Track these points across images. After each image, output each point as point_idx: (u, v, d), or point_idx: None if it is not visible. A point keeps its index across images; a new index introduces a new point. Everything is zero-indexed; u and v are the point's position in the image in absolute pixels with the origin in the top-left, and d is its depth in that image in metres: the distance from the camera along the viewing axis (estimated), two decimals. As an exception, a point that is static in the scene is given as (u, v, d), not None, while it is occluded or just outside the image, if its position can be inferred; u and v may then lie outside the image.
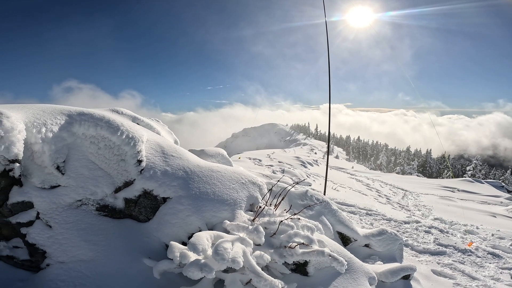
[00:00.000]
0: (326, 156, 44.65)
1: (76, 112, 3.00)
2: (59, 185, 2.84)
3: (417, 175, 30.26)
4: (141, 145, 3.15)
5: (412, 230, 5.96)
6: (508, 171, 39.64)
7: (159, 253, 2.86)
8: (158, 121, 4.93)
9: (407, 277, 3.62)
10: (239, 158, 17.47)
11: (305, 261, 2.77)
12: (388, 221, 6.14)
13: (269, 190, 3.43)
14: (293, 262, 2.79)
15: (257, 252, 2.47)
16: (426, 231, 6.02)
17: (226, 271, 2.45)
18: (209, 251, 2.29)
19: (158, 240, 3.00)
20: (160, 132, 4.36)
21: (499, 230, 7.39)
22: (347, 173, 20.29)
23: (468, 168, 23.73)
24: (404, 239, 5.42)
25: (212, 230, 2.83)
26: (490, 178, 27.57)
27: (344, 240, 4.11)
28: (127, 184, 3.11)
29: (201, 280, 2.35)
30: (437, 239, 5.77)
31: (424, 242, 5.58)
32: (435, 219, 8.38)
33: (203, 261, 2.17)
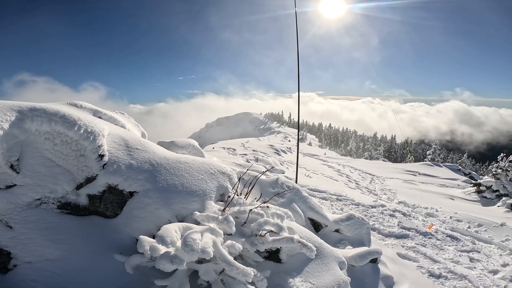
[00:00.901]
0: (299, 143, 45.69)
1: (27, 108, 2.77)
2: (15, 185, 2.69)
3: (383, 160, 32.20)
4: (102, 139, 3.02)
5: (378, 214, 6.27)
6: (465, 155, 43.52)
7: (131, 248, 2.80)
8: (123, 113, 4.77)
9: (374, 261, 3.79)
10: (213, 148, 17.29)
11: (277, 248, 2.83)
12: (356, 206, 6.47)
13: (239, 179, 3.42)
14: (266, 250, 2.85)
15: (229, 242, 2.50)
16: (390, 215, 6.35)
17: (200, 262, 2.45)
18: (179, 243, 2.28)
19: (128, 235, 2.93)
20: (125, 125, 4.21)
21: (456, 213, 8.04)
22: (319, 159, 20.98)
23: (428, 152, 25.70)
24: (371, 223, 5.62)
25: (182, 222, 2.82)
26: (448, 162, 30.11)
27: (316, 226, 4.27)
28: (89, 180, 3.00)
29: (175, 272, 2.34)
30: (401, 222, 6.07)
31: (389, 226, 5.83)
32: (399, 202, 8.97)
33: (173, 253, 2.16)
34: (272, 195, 3.82)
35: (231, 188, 3.30)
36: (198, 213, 2.74)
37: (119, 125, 4.02)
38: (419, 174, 16.16)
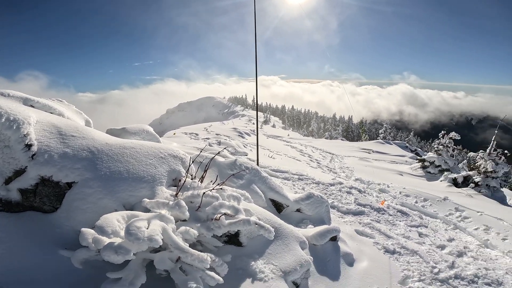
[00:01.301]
0: (263, 125, 46.19)
1: None
2: None
3: (342, 139, 34.09)
4: (28, 127, 2.70)
5: (337, 192, 6.44)
6: (411, 133, 48.12)
7: (77, 242, 2.55)
8: (61, 101, 4.44)
9: (334, 239, 3.88)
10: (174, 134, 16.61)
11: (236, 231, 2.75)
12: (317, 184, 6.65)
13: (192, 161, 3.22)
14: (224, 234, 2.75)
15: (182, 228, 2.37)
16: (348, 192, 6.56)
17: (158, 250, 2.31)
18: (122, 233, 2.12)
19: (71, 229, 2.67)
20: (63, 113, 3.86)
21: (405, 188, 8.58)
22: (283, 140, 21.37)
23: (380, 131, 27.78)
24: (330, 201, 5.76)
25: (131, 210, 2.61)
26: (398, 140, 32.86)
27: (278, 207, 4.27)
28: (19, 173, 2.70)
29: (128, 263, 2.18)
30: (357, 199, 6.23)
31: (347, 203, 5.95)
32: (356, 179, 9.48)
33: (116, 243, 2.00)
34: (231, 177, 3.69)
35: (185, 172, 3.08)
36: (147, 200, 2.53)
37: (55, 113, 3.70)
38: (373, 151, 17.38)
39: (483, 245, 5.60)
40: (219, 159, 4.06)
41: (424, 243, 4.98)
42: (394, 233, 5.07)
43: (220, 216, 2.43)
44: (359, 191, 6.77)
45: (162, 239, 2.08)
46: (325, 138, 37.29)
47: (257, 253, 2.79)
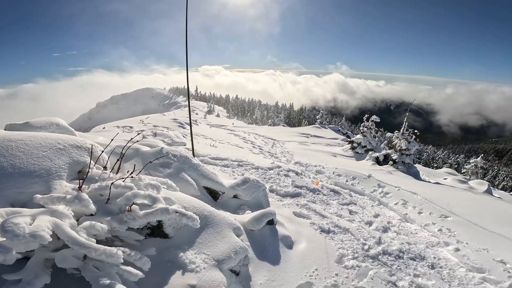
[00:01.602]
0: (207, 115, 45.12)
1: None
2: None
3: (283, 126, 35.63)
4: None
5: (275, 175, 6.48)
6: (343, 118, 53.16)
7: None
8: None
9: (272, 222, 3.84)
10: (104, 128, 14.87)
11: (159, 222, 2.47)
12: (256, 169, 6.64)
13: (102, 151, 2.78)
14: (146, 226, 2.47)
15: (87, 223, 2.05)
16: (285, 175, 6.63)
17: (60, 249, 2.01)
18: None
19: None
20: None
21: (337, 168, 9.12)
22: (227, 129, 21.19)
23: (317, 117, 29.84)
24: (269, 185, 5.80)
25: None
26: (332, 124, 35.81)
27: (213, 195, 4.08)
28: None
29: (27, 263, 1.90)
30: (294, 181, 6.31)
31: (285, 186, 5.97)
32: (296, 163, 9.86)
33: None
34: (157, 166, 3.35)
35: (94, 163, 2.64)
36: (39, 196, 2.11)
37: None
38: (311, 136, 18.56)
39: (403, 220, 6.07)
40: (144, 148, 3.65)
41: (354, 220, 5.22)
42: (328, 213, 5.22)
43: (131, 205, 2.13)
44: (296, 173, 6.93)
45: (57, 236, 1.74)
46: (268, 125, 38.38)
47: (186, 243, 2.57)
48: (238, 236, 3.17)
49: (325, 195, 6.18)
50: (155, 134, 10.24)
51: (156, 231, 2.51)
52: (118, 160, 2.79)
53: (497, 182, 42.66)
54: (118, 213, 2.22)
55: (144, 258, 2.13)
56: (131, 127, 14.12)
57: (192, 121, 23.02)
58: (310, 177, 7.35)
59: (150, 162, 3.11)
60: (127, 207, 2.14)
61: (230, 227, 2.92)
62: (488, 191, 11.11)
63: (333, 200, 6.05)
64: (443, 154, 50.49)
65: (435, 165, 39.23)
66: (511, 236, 5.41)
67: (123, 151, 2.89)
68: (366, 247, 4.17)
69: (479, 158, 20.79)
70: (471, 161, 21.38)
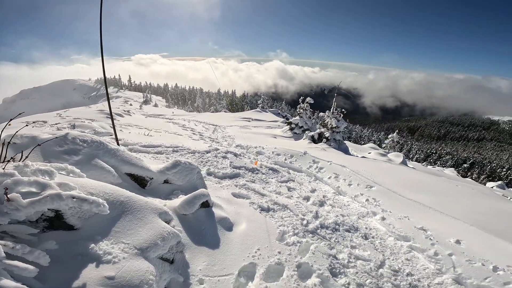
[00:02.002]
0: (143, 105, 41.70)
1: None
2: None
3: (225, 111, 35.29)
4: None
5: (213, 158, 6.29)
6: (283, 102, 55.44)
7: None
8: None
9: (207, 205, 3.65)
10: (10, 124, 12.28)
11: (57, 212, 2.07)
12: (192, 154, 6.33)
13: None
14: (40, 217, 2.05)
15: None
16: (223, 157, 6.49)
17: None
18: None
19: None
20: None
21: (276, 148, 9.36)
22: (165, 118, 19.94)
23: (258, 102, 30.37)
24: (206, 168, 5.62)
25: None
26: (273, 108, 36.94)
27: (140, 182, 3.69)
28: None
29: None
30: (232, 162, 6.22)
31: (223, 168, 5.83)
32: (237, 146, 9.82)
33: None
34: (61, 154, 2.82)
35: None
36: None
37: None
38: (252, 119, 18.77)
39: (337, 193, 6.45)
40: (43, 136, 3.04)
41: (292, 196, 5.30)
42: (267, 191, 5.25)
43: (11, 195, 1.72)
44: (235, 155, 6.85)
45: None
46: (210, 112, 37.54)
47: (99, 234, 2.24)
48: (167, 222, 2.93)
49: (264, 174, 6.23)
50: (73, 126, 8.90)
51: (55, 222, 2.10)
52: (3, 148, 2.22)
53: (411, 155, 50.70)
54: (-5, 206, 1.77)
55: (37, 252, 1.80)
56: (45, 122, 12.06)
57: (124, 111, 20.97)
58: (250, 158, 7.36)
59: (39, 145, 2.57)
60: (6, 196, 1.71)
61: (155, 212, 2.66)
62: (404, 162, 12.98)
63: (272, 178, 6.13)
64: (368, 132, 57.39)
65: (362, 142, 44.43)
66: (425, 202, 6.07)
67: (6, 141, 2.31)
68: (305, 222, 4.24)
69: (394, 134, 24.14)
70: (389, 137, 24.68)
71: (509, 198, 12.77)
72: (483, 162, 51.05)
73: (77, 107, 26.61)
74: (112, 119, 4.44)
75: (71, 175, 2.37)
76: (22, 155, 2.24)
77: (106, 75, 4.46)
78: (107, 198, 2.32)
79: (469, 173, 44.34)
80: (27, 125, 3.95)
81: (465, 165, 46.93)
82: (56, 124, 10.16)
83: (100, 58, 4.25)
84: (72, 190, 1.98)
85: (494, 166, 48.00)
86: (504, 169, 46.98)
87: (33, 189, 1.84)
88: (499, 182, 19.18)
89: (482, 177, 42.65)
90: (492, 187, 16.81)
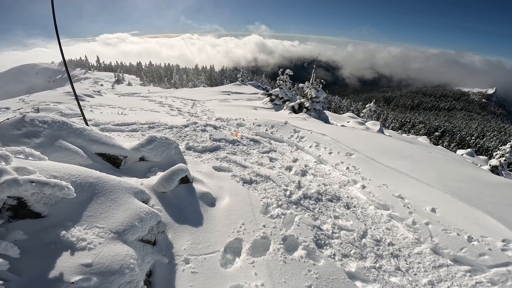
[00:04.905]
0: (115, 85, 39.35)
1: None
2: None
3: (204, 86, 34.14)
4: None
5: (191, 132, 6.05)
6: (263, 75, 54.45)
7: None
8: None
9: (187, 180, 3.49)
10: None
11: (19, 200, 1.87)
12: (170, 129, 6.05)
13: None
14: (1, 206, 1.84)
15: None
16: (202, 130, 6.27)
17: None
18: None
19: None
20: None
21: (256, 119, 9.21)
22: (140, 96, 18.99)
23: (238, 76, 29.51)
24: (185, 143, 5.38)
25: None
26: (253, 81, 36.18)
27: (113, 161, 3.45)
28: None
29: None
30: (212, 135, 6.01)
31: (203, 141, 5.62)
32: (217, 119, 9.54)
33: None
34: (20, 137, 2.52)
35: None
36: None
37: None
38: (232, 93, 18.29)
39: (318, 161, 6.46)
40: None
41: (274, 167, 5.24)
42: (249, 163, 5.13)
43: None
44: (215, 127, 6.62)
45: None
46: (189, 88, 36.23)
47: (69, 220, 2.07)
48: (145, 201, 2.78)
49: (245, 145, 6.10)
50: (37, 110, 8.18)
51: (20, 211, 1.90)
52: None
53: (387, 124, 52.52)
54: None
55: (4, 243, 1.67)
56: (8, 108, 11.04)
57: (94, 92, 19.70)
58: (230, 130, 7.15)
59: (26, 135, 2.26)
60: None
61: (130, 192, 2.49)
62: (381, 131, 13.34)
63: (253, 149, 6.02)
64: (346, 102, 58.33)
65: (341, 112, 45.20)
66: (402, 169, 6.20)
67: None
68: (288, 193, 4.21)
69: (372, 104, 24.64)
70: (366, 106, 25.17)
71: (479, 165, 13.70)
72: (454, 130, 54.09)
73: (42, 91, 24.64)
74: (77, 98, 4.04)
75: (30, 158, 2.12)
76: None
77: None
78: (74, 180, 2.12)
79: (440, 141, 46.99)
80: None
81: (437, 133, 49.55)
82: (19, 109, 9.31)
83: (63, 41, 3.76)
84: (31, 174, 1.76)
85: (464, 134, 51.06)
86: (473, 138, 50.19)
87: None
88: (469, 150, 20.39)
89: (453, 145, 45.36)
90: (462, 155, 17.92)
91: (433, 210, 4.59)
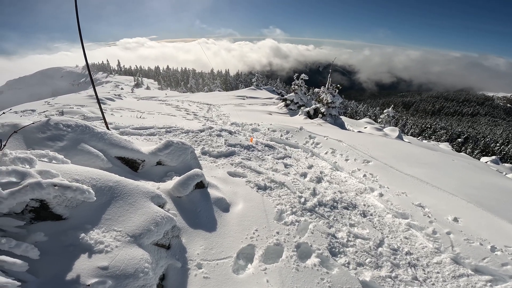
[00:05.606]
0: (134, 89, 40.74)
1: None
2: None
3: (219, 90, 34.63)
4: None
5: (207, 137, 6.12)
6: (278, 80, 54.56)
7: None
8: None
9: (202, 185, 3.52)
10: (-2, 116, 11.92)
11: (42, 202, 1.95)
12: (186, 133, 6.15)
13: None
14: (24, 208, 1.93)
15: None
16: (218, 135, 6.31)
17: None
18: None
19: None
20: None
21: (271, 124, 9.20)
22: (158, 100, 19.54)
23: (253, 80, 29.75)
24: (201, 147, 5.45)
25: None
26: (268, 86, 36.35)
27: (131, 165, 3.54)
28: None
29: None
30: (227, 140, 6.05)
31: (218, 146, 5.67)
32: (232, 124, 9.65)
33: None
34: (43, 141, 2.64)
35: None
36: None
37: None
38: (247, 97, 18.41)
39: (334, 168, 6.36)
40: (25, 123, 2.84)
41: (289, 173, 5.18)
42: (264, 168, 5.10)
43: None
44: (230, 132, 6.67)
45: None
46: (205, 92, 36.90)
47: (89, 222, 2.13)
48: (161, 205, 2.82)
49: (260, 151, 6.08)
50: (61, 113, 8.58)
51: (42, 213, 1.98)
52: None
53: (406, 130, 50.96)
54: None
55: (24, 245, 1.71)
56: (34, 110, 11.69)
57: (115, 95, 20.49)
58: (245, 135, 7.18)
59: (15, 132, 2.38)
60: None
61: (147, 196, 2.53)
62: (399, 137, 12.94)
63: (268, 155, 6.00)
64: (363, 107, 57.15)
65: (358, 117, 44.34)
66: (423, 177, 5.98)
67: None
68: (302, 200, 4.14)
69: (390, 109, 24.01)
70: (384, 111, 24.56)
71: (504, 173, 12.95)
72: (477, 136, 51.60)
73: (66, 94, 25.91)
74: (99, 102, 4.21)
75: (54, 161, 2.21)
76: (0, 144, 2.06)
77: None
78: (94, 184, 2.19)
79: (463, 148, 44.95)
80: (4, 112, 3.72)
81: (459, 139, 47.46)
82: (44, 112, 9.82)
83: (86, 45, 3.95)
84: (54, 177, 1.84)
85: (488, 140, 48.61)
86: (497, 144, 47.65)
87: (13, 179, 1.70)
88: (493, 157, 19.43)
89: (476, 151, 43.26)
90: (486, 162, 17.05)
91: (455, 219, 4.42)
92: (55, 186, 1.71)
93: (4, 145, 2.21)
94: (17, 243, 1.67)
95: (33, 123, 2.67)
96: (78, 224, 2.11)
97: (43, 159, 2.15)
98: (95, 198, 1.98)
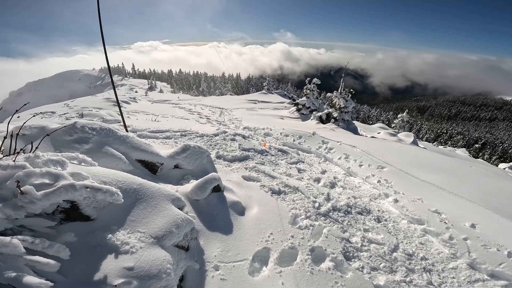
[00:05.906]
0: (148, 92, 41.71)
1: None
2: None
3: (230, 94, 34.98)
4: None
5: (221, 141, 6.21)
6: (289, 84, 54.65)
7: None
8: None
9: (218, 189, 3.59)
10: (18, 117, 12.52)
11: (72, 203, 2.05)
12: (201, 137, 6.27)
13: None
14: (56, 209, 2.03)
15: None
16: (232, 139, 6.39)
17: None
18: None
19: None
20: None
21: (284, 129, 9.24)
22: (171, 103, 19.93)
23: (264, 84, 29.87)
24: (215, 151, 5.54)
25: None
26: (279, 90, 36.45)
27: (150, 167, 3.66)
28: None
29: None
30: (241, 144, 6.12)
31: (232, 150, 5.74)
32: (244, 128, 9.74)
33: None
34: (71, 143, 2.78)
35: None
36: None
37: None
38: (258, 101, 18.51)
39: (347, 174, 6.33)
40: (52, 126, 2.99)
41: (303, 178, 5.16)
42: (277, 173, 5.14)
43: (24, 188, 1.68)
44: (243, 137, 6.74)
45: None
46: (216, 96, 37.32)
47: (115, 223, 2.22)
48: (180, 208, 2.91)
49: (273, 155, 6.12)
50: (81, 115, 8.92)
51: (72, 214, 2.09)
52: (12, 139, 2.18)
53: (421, 135, 49.79)
54: (12, 198, 1.75)
55: (57, 245, 1.78)
56: (53, 112, 12.17)
57: (130, 99, 21.04)
58: (258, 140, 7.23)
59: (48, 135, 2.52)
60: (19, 189, 1.68)
61: (168, 199, 2.62)
62: (414, 142, 12.68)
63: (281, 160, 6.03)
64: (376, 112, 56.27)
65: (371, 122, 43.65)
66: (439, 184, 5.88)
67: (11, 131, 2.27)
68: (316, 204, 4.16)
69: (404, 114, 23.55)
70: (398, 116, 24.10)
71: (523, 178, 12.45)
72: (495, 142, 49.77)
73: (84, 97, 26.84)
74: (119, 106, 4.38)
75: (82, 164, 2.33)
76: (32, 146, 2.19)
77: (109, 64, 4.36)
78: (120, 186, 2.29)
79: (480, 154, 43.48)
80: (34, 116, 3.91)
81: (477, 145, 45.89)
82: (64, 114, 10.23)
83: (101, 48, 4.14)
84: (85, 179, 1.94)
85: (506, 146, 46.81)
86: (516, 150, 45.83)
87: (46, 181, 1.80)
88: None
89: (494, 157, 41.75)
90: (505, 169, 16.45)
91: (472, 225, 4.35)
92: (87, 188, 1.81)
93: (37, 148, 2.34)
94: (50, 244, 1.74)
95: (64, 126, 2.82)
96: (105, 225, 2.21)
97: (73, 161, 2.26)
98: (123, 200, 2.07)
